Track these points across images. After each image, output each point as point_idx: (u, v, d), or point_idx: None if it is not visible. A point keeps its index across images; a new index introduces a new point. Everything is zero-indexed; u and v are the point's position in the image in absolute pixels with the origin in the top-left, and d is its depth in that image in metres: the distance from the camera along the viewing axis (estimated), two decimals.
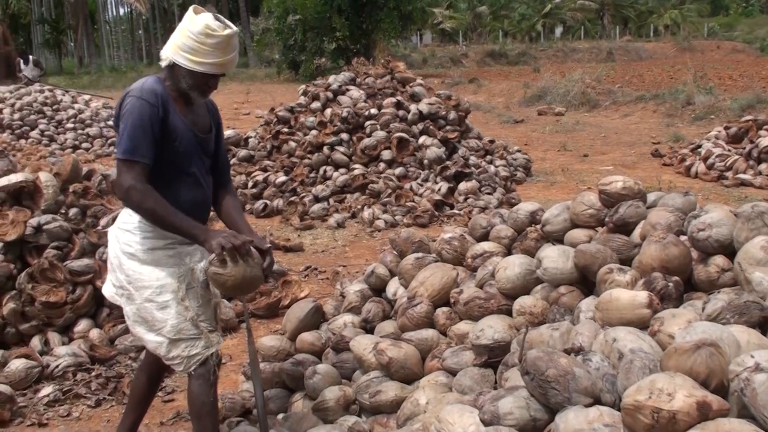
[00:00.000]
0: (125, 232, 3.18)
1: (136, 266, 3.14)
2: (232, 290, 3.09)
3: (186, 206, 3.14)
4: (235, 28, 3.14)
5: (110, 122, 15.58)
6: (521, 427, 2.60)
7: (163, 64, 3.14)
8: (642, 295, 3.07)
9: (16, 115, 15.10)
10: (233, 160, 10.90)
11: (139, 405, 3.63)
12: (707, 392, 2.27)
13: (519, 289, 3.85)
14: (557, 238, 4.13)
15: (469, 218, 8.60)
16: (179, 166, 3.16)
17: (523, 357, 2.70)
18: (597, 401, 2.53)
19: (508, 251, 4.36)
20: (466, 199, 9.57)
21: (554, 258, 3.72)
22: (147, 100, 3.01)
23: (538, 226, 4.25)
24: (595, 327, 3.12)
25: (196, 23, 3.02)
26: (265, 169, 10.60)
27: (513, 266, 3.89)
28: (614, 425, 2.33)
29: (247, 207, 9.87)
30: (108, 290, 3.39)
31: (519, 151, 12.30)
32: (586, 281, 3.69)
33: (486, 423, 2.64)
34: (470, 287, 4.09)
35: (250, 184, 10.30)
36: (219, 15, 3.08)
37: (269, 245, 3.17)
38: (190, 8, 3.11)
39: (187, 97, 3.18)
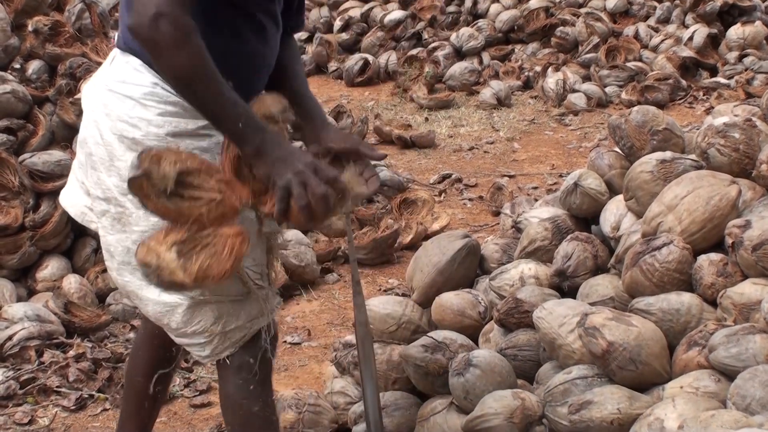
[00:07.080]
0: (125, 99, 2.25)
1: None
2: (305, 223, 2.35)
3: (238, 71, 2.25)
4: None
5: None
6: None
7: None
8: None
9: None
10: None
11: (138, 413, 2.85)
12: None
13: None
14: None
15: (747, 94, 6.47)
16: (238, 4, 2.32)
17: None
18: None
19: None
20: (741, 58, 6.99)
21: None
22: None
23: None
24: None
25: None
26: None
27: None
28: None
29: (332, 66, 7.45)
30: (76, 201, 2.47)
31: None
32: None
33: None
34: (765, 217, 3.12)
35: (338, 23, 7.71)
36: None
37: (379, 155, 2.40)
38: None
39: None
